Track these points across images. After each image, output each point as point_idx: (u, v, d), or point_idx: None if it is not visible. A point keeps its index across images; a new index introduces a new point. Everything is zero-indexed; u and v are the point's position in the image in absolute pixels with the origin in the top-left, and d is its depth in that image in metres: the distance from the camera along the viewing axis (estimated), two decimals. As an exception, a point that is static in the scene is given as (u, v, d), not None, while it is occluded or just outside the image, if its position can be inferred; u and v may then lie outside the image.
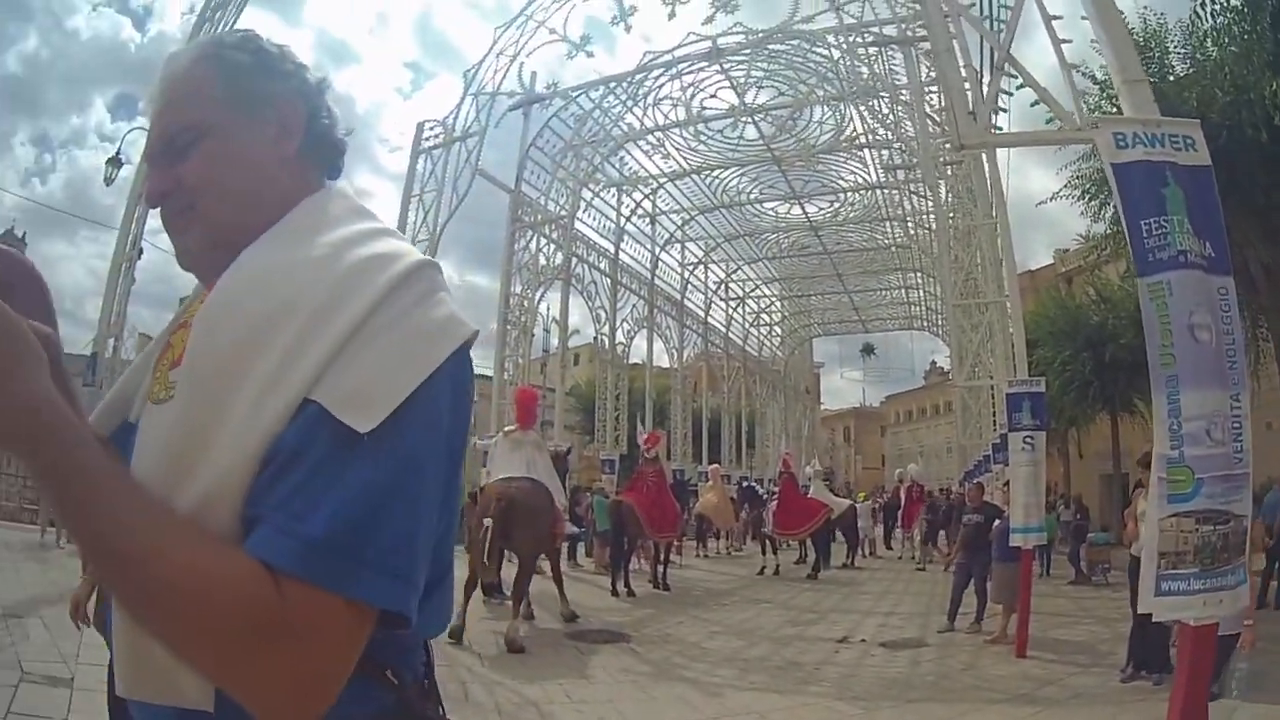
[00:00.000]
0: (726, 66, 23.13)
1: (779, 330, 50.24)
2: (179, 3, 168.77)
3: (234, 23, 17.69)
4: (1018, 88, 9.08)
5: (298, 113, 1.49)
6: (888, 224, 33.75)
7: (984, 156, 17.00)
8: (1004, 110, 13.55)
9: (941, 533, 23.71)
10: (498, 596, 13.71)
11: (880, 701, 8.45)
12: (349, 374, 1.17)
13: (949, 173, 19.09)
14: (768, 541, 22.29)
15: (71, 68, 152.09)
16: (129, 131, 20.25)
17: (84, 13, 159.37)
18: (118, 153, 19.54)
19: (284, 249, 1.32)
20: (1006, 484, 13.36)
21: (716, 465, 27.09)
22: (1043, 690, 8.82)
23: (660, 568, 18.25)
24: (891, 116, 22.56)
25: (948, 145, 16.62)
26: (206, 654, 1.08)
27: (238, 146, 1.42)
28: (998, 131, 8.99)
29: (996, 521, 12.77)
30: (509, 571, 12.97)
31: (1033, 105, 9.02)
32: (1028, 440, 12.01)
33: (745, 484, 27.75)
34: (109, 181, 19.42)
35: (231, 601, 1.05)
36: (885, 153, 25.98)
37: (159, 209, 1.45)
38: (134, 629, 1.25)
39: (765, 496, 24.23)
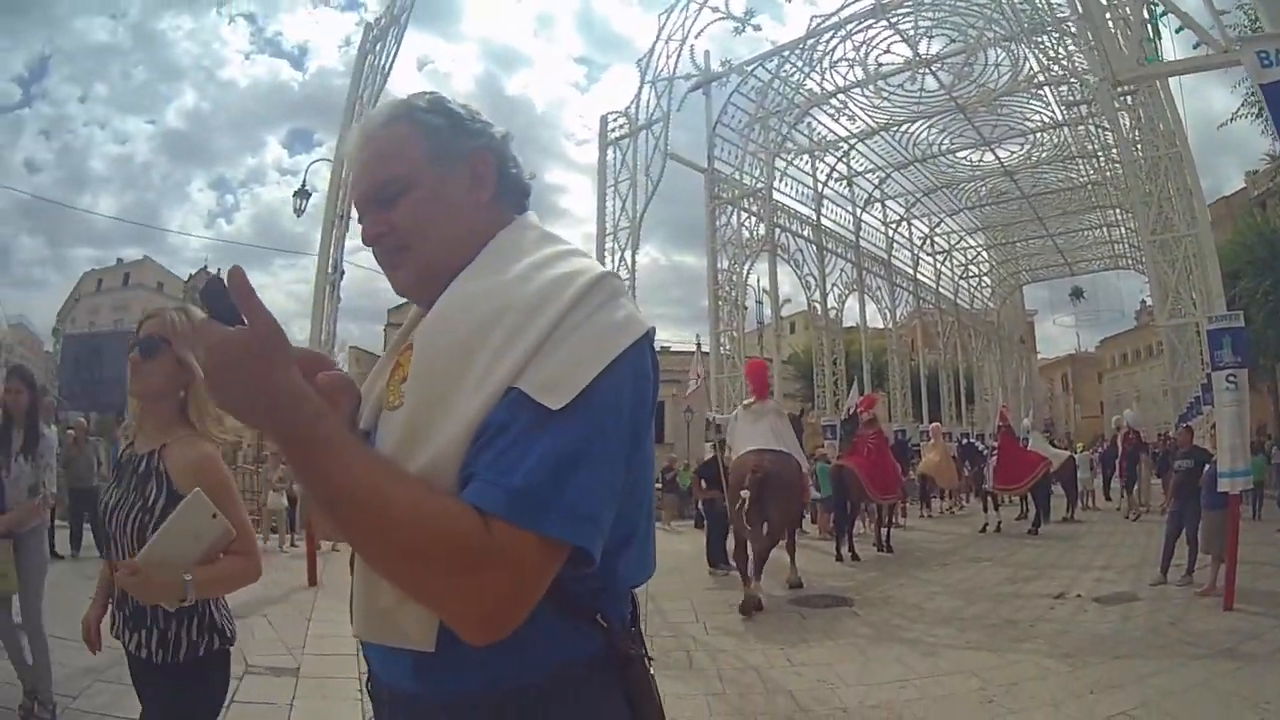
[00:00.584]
0: (894, 20, 23.00)
1: (988, 280, 49.49)
2: (334, 39, 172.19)
3: (396, 50, 18.51)
4: (1161, 15, 8.93)
5: (489, 165, 1.85)
6: (1079, 161, 33.04)
7: (1158, 84, 16.56)
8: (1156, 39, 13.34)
9: (1158, 480, 23.34)
10: (723, 567, 14.21)
11: (1089, 657, 8.47)
12: (544, 366, 1.50)
13: (1128, 103, 18.50)
14: (989, 498, 22.24)
15: (235, 115, 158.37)
16: (311, 164, 21.60)
17: (236, 63, 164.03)
18: (303, 184, 20.71)
19: (487, 275, 1.69)
20: (1214, 426, 13.02)
21: (937, 424, 26.87)
22: (1245, 645, 8.67)
23: (884, 530, 18.34)
24: (1063, 51, 22.12)
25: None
26: (427, 577, 1.43)
27: (439, 197, 1.78)
28: (1152, 62, 8.85)
29: (1206, 467, 12.41)
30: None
31: (1178, 31, 8.90)
32: (1231, 379, 11.52)
33: (965, 441, 27.54)
34: (299, 213, 20.55)
35: (450, 533, 1.39)
36: (1064, 89, 25.49)
37: (374, 248, 1.83)
38: (367, 576, 1.65)
39: (985, 453, 24.09)
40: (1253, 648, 8.64)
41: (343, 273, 18.45)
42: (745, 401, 14.08)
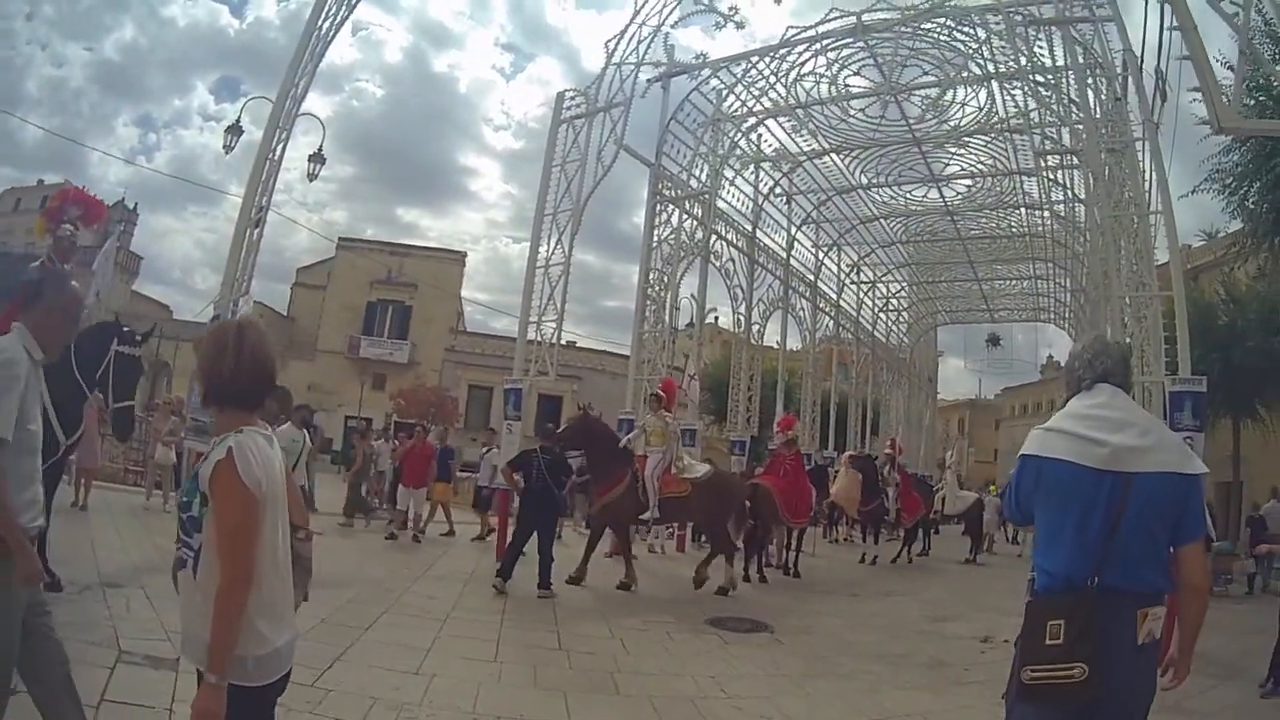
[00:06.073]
0: (872, 43, 22.49)
1: (906, 316, 49.70)
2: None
3: (340, 15, 17.52)
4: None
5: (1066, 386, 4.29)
6: (1022, 210, 32.82)
7: (1144, 148, 16.32)
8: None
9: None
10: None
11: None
12: None
13: (1112, 161, 18.13)
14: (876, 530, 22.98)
15: (171, 54, 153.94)
16: (247, 100, 20.54)
17: (180, 2, 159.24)
18: (237, 121, 19.60)
19: None
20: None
21: (850, 453, 26.73)
22: (1188, 702, 8.29)
23: (794, 554, 18.08)
24: (1053, 99, 21.59)
25: (1106, 131, 16.16)
26: None
27: None
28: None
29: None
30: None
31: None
32: (1188, 439, 11.60)
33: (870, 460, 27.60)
34: (229, 149, 19.57)
35: None
36: (1036, 138, 24.94)
37: None
38: None
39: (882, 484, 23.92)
40: (1196, 704, 8.51)
41: (265, 220, 17.37)
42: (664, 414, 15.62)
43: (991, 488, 34.40)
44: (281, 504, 3.35)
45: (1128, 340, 15.22)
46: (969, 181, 31.36)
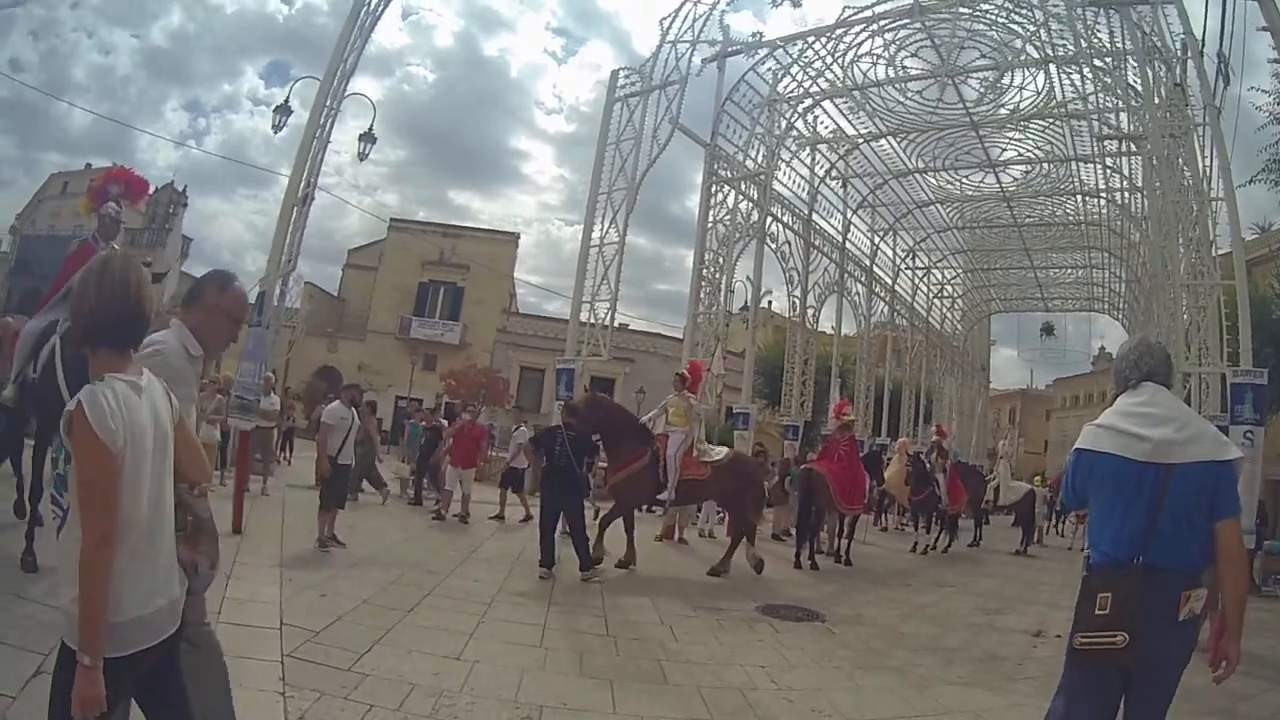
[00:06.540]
0: (930, 24, 22.31)
1: (961, 304, 49.29)
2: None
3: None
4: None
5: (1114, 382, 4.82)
6: (1078, 198, 32.65)
7: (1203, 133, 16.04)
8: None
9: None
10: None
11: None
12: None
13: (1172, 145, 17.80)
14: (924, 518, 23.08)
15: (219, 40, 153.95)
16: (296, 81, 20.73)
17: None
18: (286, 100, 19.60)
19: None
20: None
21: (905, 440, 26.52)
22: (1240, 705, 8.31)
23: (846, 542, 17.84)
24: (1113, 82, 21.25)
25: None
26: None
27: None
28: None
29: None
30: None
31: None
32: (1248, 435, 11.45)
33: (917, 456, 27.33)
34: (278, 129, 19.59)
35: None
36: (1094, 122, 24.63)
37: None
38: None
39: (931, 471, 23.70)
40: (1248, 709, 8.43)
41: (313, 197, 17.33)
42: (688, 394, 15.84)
43: (1037, 479, 34.00)
44: (155, 458, 3.16)
45: (1185, 330, 14.96)
46: (1025, 167, 31.19)
